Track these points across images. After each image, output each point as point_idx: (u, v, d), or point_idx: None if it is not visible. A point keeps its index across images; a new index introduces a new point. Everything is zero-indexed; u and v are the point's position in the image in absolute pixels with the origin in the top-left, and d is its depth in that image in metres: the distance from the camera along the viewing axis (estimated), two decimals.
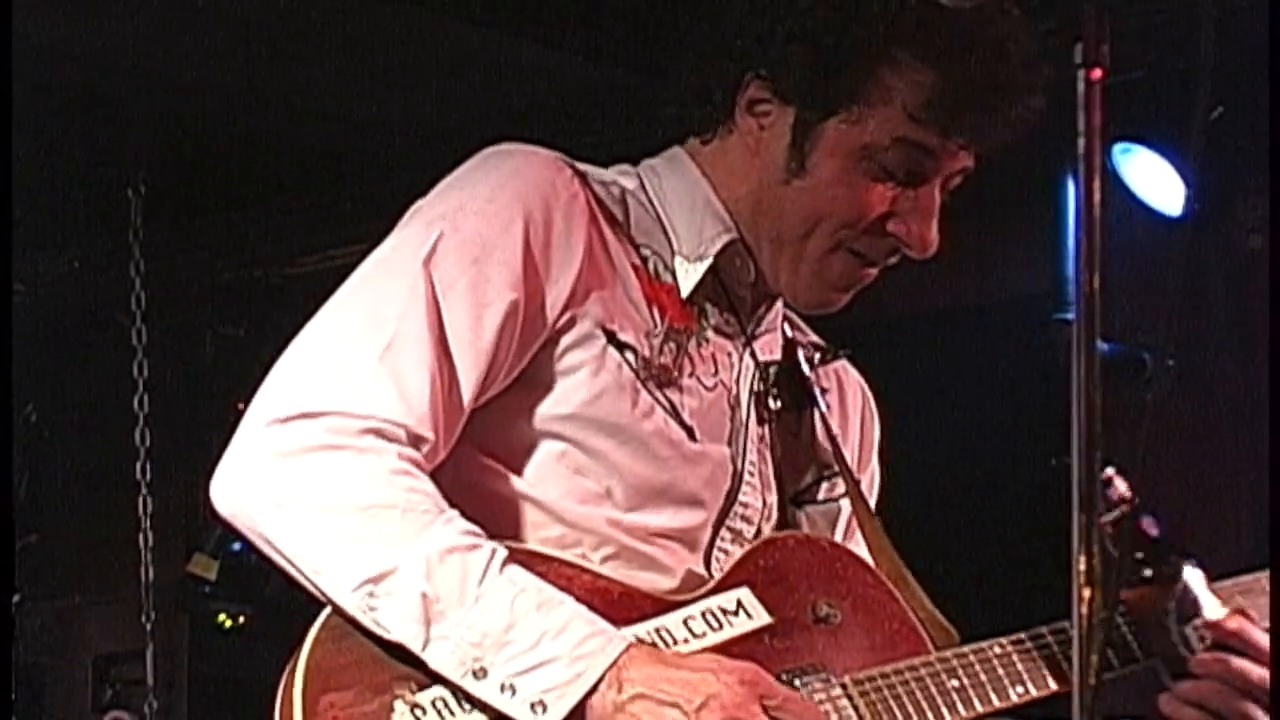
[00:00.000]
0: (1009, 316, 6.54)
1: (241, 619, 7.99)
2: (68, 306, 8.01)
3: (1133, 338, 4.45)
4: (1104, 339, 2.05)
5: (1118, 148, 6.09)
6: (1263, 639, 2.81)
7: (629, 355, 2.80)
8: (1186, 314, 5.89)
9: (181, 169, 7.09)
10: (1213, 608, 2.83)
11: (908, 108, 2.78)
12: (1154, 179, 6.15)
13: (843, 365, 3.14)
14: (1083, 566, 1.91)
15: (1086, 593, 1.89)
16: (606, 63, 6.16)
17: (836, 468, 3.04)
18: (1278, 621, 2.89)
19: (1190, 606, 2.83)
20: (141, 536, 7.29)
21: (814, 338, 3.12)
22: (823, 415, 3.05)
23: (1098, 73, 2.06)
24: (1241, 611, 2.85)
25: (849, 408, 3.12)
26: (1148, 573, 2.84)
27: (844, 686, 2.75)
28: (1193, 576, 2.85)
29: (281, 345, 2.72)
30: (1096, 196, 2.05)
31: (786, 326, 3.07)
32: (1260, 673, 2.78)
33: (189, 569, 7.77)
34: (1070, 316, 2.06)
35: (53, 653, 8.40)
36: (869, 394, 3.18)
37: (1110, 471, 2.77)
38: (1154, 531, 2.84)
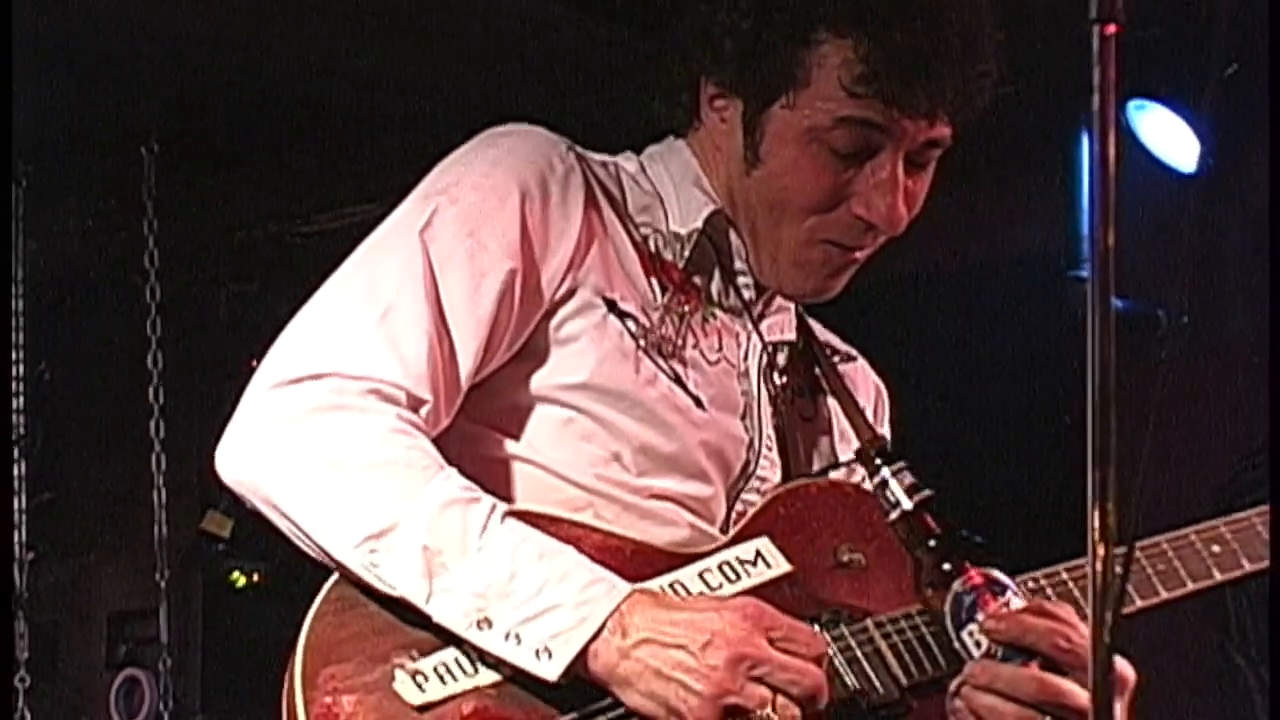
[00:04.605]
0: (1023, 273, 6.52)
1: (255, 577, 8.03)
2: (82, 265, 8.02)
3: (1147, 294, 4.45)
4: (1118, 295, 2.04)
5: (1133, 104, 6.08)
6: (1040, 622, 2.62)
7: (629, 324, 2.82)
8: (1200, 271, 5.87)
9: (195, 127, 7.08)
10: (1007, 603, 2.63)
11: (844, 84, 2.77)
12: (1169, 136, 6.14)
13: (857, 366, 3.15)
14: (1097, 523, 1.91)
15: (1101, 549, 1.89)
16: (620, 21, 6.14)
17: (846, 457, 3.02)
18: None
19: (967, 609, 2.64)
20: (155, 494, 7.32)
21: (831, 338, 3.13)
22: (835, 394, 3.05)
23: (1113, 28, 2.05)
24: (1040, 604, 2.67)
25: (861, 400, 3.09)
26: (947, 566, 2.69)
27: (866, 629, 2.75)
28: (980, 573, 2.65)
29: (295, 302, 2.75)
30: (1111, 153, 2.04)
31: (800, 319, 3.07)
32: (1036, 676, 2.58)
33: (203, 527, 7.80)
34: (1085, 273, 2.06)
35: (67, 610, 8.42)
36: (884, 393, 3.18)
37: (901, 464, 2.74)
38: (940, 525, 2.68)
